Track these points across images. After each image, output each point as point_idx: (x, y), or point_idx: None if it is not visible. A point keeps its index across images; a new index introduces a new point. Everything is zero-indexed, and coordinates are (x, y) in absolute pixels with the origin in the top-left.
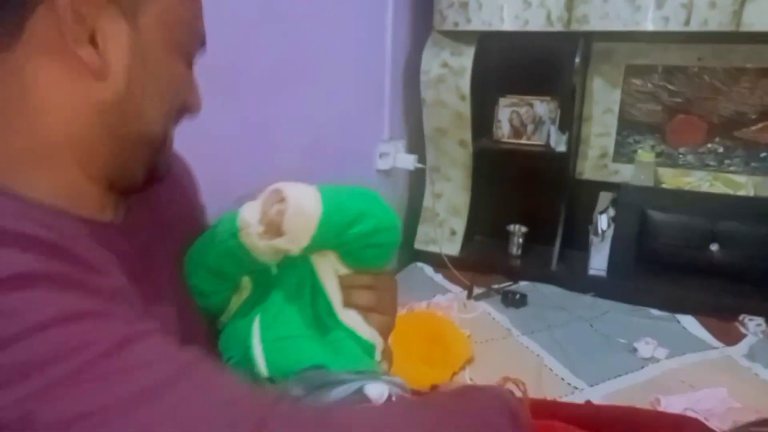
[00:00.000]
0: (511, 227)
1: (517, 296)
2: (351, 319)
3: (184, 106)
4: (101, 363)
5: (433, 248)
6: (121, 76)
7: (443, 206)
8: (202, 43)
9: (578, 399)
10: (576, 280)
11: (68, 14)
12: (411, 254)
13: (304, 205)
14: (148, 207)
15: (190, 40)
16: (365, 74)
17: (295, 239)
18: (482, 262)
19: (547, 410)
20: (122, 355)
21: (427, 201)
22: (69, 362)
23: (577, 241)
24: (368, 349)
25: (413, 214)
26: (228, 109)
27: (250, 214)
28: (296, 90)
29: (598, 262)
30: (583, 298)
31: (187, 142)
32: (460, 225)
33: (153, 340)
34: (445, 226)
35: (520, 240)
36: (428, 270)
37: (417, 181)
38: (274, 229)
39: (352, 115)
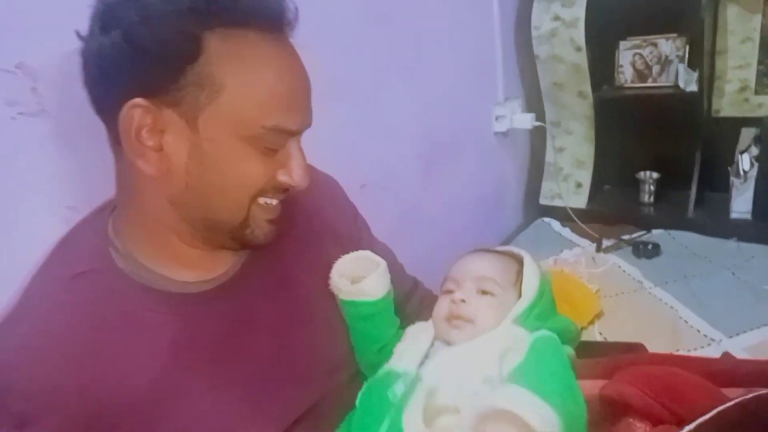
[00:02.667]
0: (641, 174)
1: (650, 246)
2: None
3: (272, 187)
4: None
5: (558, 202)
6: (182, 174)
7: (567, 160)
8: (292, 131)
9: (715, 351)
10: (716, 225)
11: (131, 136)
12: (537, 210)
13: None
14: (275, 253)
15: (264, 134)
16: (474, 40)
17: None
18: (612, 213)
19: (675, 366)
20: None
21: (549, 156)
22: None
23: (717, 185)
24: None
25: (536, 171)
26: (336, 110)
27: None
28: (404, 73)
29: (742, 204)
30: (725, 244)
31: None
32: (585, 177)
33: None
34: (570, 180)
35: (652, 187)
36: (555, 225)
37: (538, 138)
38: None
39: (465, 82)
